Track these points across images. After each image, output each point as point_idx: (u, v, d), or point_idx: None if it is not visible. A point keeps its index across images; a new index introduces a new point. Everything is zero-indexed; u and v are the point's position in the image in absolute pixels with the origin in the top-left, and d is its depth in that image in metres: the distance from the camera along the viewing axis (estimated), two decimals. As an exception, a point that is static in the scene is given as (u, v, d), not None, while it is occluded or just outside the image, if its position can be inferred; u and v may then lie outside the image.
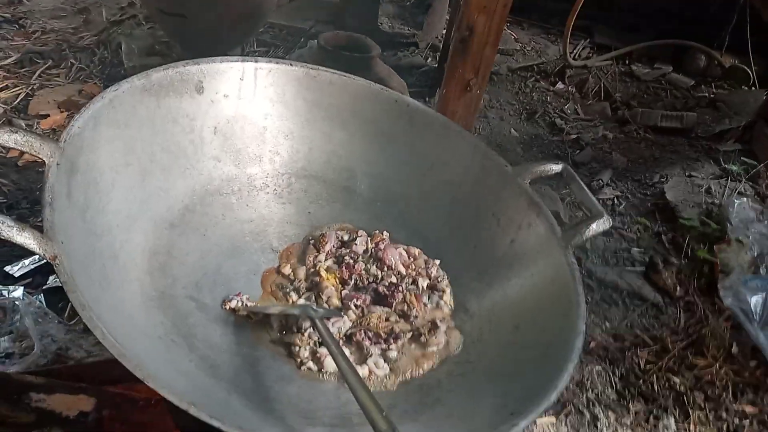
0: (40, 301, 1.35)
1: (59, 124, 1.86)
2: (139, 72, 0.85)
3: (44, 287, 1.38)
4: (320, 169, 1.05)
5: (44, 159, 0.67)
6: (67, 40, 2.28)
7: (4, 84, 2.01)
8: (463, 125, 1.08)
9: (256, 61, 0.98)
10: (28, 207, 1.59)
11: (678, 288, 1.51)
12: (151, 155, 0.86)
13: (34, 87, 2.02)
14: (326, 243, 0.95)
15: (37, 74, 2.08)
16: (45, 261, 1.43)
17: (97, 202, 0.74)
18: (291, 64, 1.01)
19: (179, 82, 0.89)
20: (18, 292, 1.36)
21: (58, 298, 1.34)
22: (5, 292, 1.35)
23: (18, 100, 1.96)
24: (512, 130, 2.01)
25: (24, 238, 0.58)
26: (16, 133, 0.65)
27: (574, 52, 2.48)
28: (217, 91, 0.95)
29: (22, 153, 1.68)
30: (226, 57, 0.96)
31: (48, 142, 0.67)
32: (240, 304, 0.83)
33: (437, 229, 1.01)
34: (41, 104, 1.93)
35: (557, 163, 0.98)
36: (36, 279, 1.40)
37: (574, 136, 2.05)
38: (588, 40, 2.61)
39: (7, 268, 1.42)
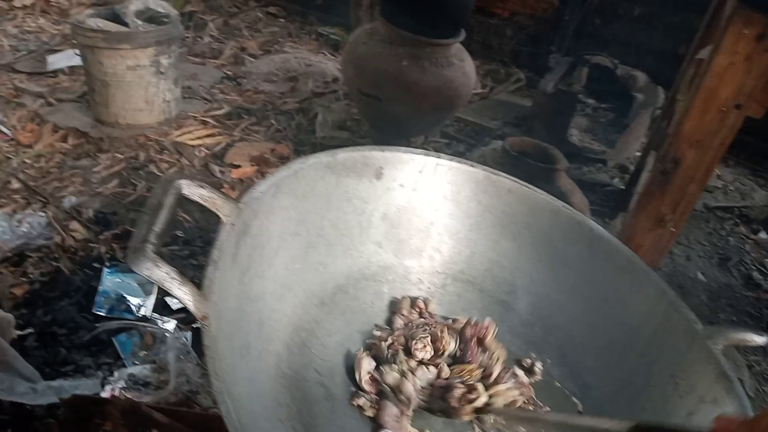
0: (186, 339, 1.40)
1: (247, 176, 2.02)
2: (329, 141, 0.87)
3: (194, 325, 1.44)
4: (479, 276, 0.99)
5: (222, 217, 0.68)
6: (273, 102, 2.51)
7: (211, 132, 2.25)
8: (649, 262, 0.96)
9: (439, 157, 0.96)
10: (201, 245, 1.71)
11: None
12: (320, 229, 0.86)
13: (235, 139, 2.23)
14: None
15: (240, 128, 2.30)
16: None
17: (258, 266, 0.74)
18: (472, 165, 0.98)
19: (362, 165, 0.90)
20: (170, 324, 1.42)
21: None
22: (160, 322, 1.43)
23: (218, 147, 2.17)
24: (699, 274, 1.79)
25: (182, 292, 0.58)
26: (203, 188, 0.68)
27: (786, 201, 2.20)
28: (394, 180, 0.94)
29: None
30: (410, 149, 0.95)
31: (229, 201, 0.69)
32: (367, 403, 0.78)
33: (601, 376, 0.88)
34: (237, 155, 2.11)
35: (761, 334, 0.82)
36: (189, 316, 1.47)
37: (772, 296, 1.78)
38: (804, 190, 2.32)
39: (168, 299, 1.51)
